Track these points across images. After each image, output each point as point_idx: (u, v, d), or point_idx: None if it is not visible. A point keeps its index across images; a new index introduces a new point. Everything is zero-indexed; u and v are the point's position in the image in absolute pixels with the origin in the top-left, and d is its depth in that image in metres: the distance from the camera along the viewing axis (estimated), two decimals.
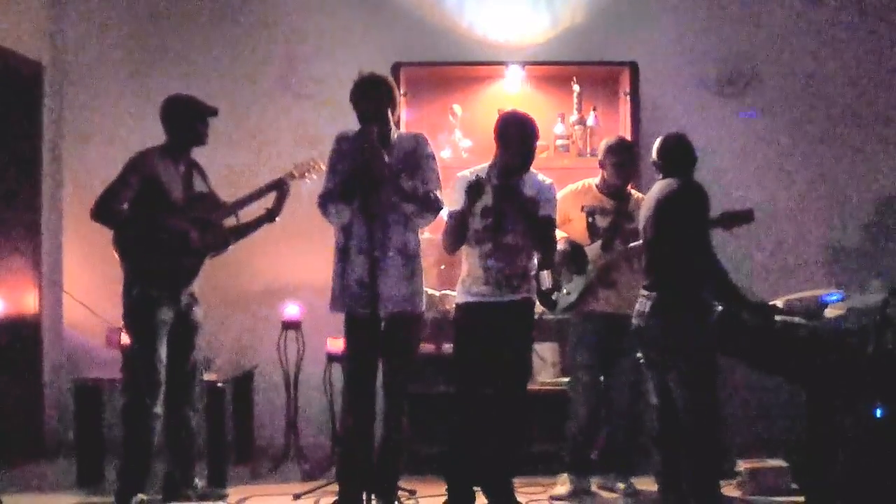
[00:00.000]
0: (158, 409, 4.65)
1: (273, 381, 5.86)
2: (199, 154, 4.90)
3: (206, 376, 5.29)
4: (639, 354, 4.70)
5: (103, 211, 4.63)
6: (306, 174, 4.96)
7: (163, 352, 4.65)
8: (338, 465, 4.70)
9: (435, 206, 4.48)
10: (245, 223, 4.93)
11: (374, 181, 4.32)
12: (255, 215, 4.95)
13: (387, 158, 4.35)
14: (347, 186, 4.37)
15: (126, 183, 4.63)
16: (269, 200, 4.94)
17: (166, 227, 4.66)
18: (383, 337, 4.44)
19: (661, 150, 4.64)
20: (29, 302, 5.99)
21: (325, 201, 4.45)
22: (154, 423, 4.65)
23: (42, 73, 6.12)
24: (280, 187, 4.91)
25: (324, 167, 4.69)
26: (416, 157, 4.51)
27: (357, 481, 4.38)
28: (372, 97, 4.46)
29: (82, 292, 5.94)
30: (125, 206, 4.64)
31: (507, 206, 4.53)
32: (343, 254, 4.49)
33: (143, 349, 4.64)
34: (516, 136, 4.57)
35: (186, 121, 4.77)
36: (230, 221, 4.90)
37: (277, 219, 4.93)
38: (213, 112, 4.83)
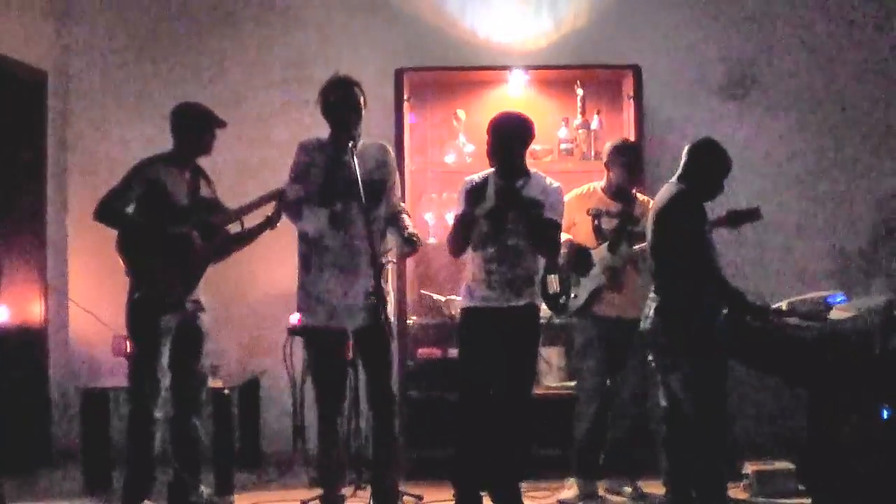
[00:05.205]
0: (158, 415, 4.68)
1: (279, 388, 5.86)
2: (203, 159, 4.91)
3: (212, 383, 5.29)
4: (649, 357, 4.70)
5: (106, 211, 4.65)
6: None
7: (165, 358, 4.67)
8: (320, 471, 4.78)
9: (418, 246, 4.52)
10: (247, 230, 4.92)
11: (351, 191, 4.33)
12: (256, 223, 4.94)
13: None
14: (327, 192, 4.41)
15: (129, 185, 4.67)
16: (269, 208, 4.94)
17: (170, 231, 4.67)
18: (359, 349, 4.49)
19: (690, 150, 4.60)
20: (35, 311, 5.98)
21: (300, 206, 4.47)
22: (155, 430, 4.68)
23: (46, 82, 6.11)
24: (280, 196, 4.91)
25: None
26: (387, 169, 4.59)
27: (337, 482, 4.62)
28: (349, 103, 4.48)
29: (88, 301, 5.96)
30: (129, 208, 4.67)
31: (507, 207, 4.51)
32: (313, 267, 4.53)
33: (145, 355, 4.66)
34: (493, 137, 4.57)
35: (196, 131, 4.79)
36: (234, 228, 4.91)
37: (278, 225, 4.93)
38: (223, 124, 4.85)
